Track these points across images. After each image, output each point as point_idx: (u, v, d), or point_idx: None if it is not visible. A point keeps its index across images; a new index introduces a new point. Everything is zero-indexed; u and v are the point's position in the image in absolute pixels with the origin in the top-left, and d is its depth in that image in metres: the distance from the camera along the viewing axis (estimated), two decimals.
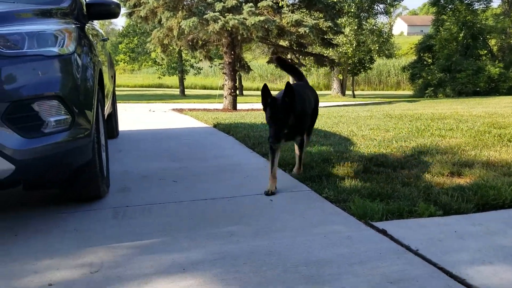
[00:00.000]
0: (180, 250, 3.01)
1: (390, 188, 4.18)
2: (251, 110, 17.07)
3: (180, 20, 15.80)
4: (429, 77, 34.97)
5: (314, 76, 56.53)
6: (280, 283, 2.50)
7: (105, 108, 5.47)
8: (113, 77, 8.08)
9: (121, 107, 15.56)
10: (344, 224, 3.45)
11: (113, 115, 7.99)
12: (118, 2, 4.94)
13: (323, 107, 18.42)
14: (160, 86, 56.22)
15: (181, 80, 41.34)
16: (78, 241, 3.20)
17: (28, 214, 3.83)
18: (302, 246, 3.03)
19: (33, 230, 3.43)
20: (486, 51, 37.83)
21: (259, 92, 4.01)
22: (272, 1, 15.94)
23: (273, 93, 4.18)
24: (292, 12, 16.54)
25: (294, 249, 2.99)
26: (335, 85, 42.71)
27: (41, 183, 3.71)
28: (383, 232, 3.23)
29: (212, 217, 3.69)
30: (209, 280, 2.56)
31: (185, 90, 42.18)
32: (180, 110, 16.32)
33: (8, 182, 3.31)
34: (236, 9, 15.70)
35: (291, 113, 3.95)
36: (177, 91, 42.58)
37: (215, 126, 9.96)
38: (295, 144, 4.68)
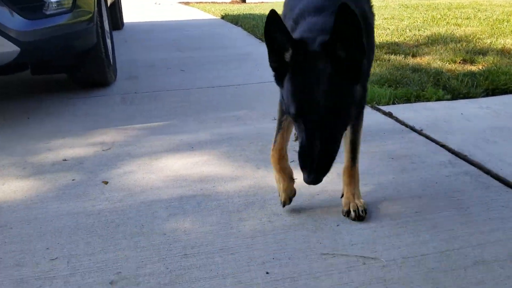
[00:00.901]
0: (188, 132, 3.07)
1: (400, 75, 4.12)
2: (261, 3, 16.37)
3: None
4: None
5: None
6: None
7: None
8: None
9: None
10: None
11: (117, 4, 7.73)
12: None
13: None
14: None
15: None
16: (88, 124, 3.27)
17: (39, 99, 3.88)
18: None
19: (45, 114, 3.50)
20: None
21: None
22: None
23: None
24: None
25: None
26: None
27: (48, 68, 3.72)
28: (389, 114, 3.24)
29: (220, 103, 3.71)
30: (216, 157, 2.65)
31: None
32: (187, 3, 15.70)
33: (15, 65, 3.32)
34: None
35: (354, 85, 1.59)
36: None
37: (222, 17, 9.64)
38: None
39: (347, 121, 1.64)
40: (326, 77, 1.51)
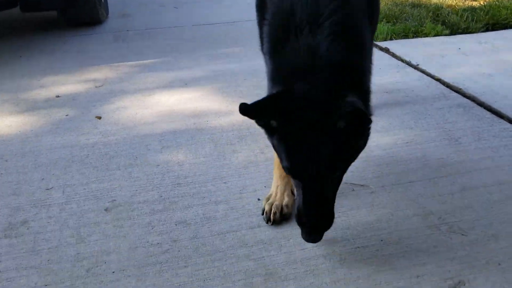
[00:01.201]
0: (182, 68, 3.04)
1: (399, 10, 4.02)
2: None
3: None
4: None
5: None
6: None
7: None
8: None
9: None
10: None
11: None
12: None
13: None
14: None
15: None
16: (81, 61, 3.23)
17: (30, 37, 3.81)
18: None
19: (37, 52, 3.45)
20: None
21: None
22: None
23: None
24: None
25: None
26: None
27: (37, 5, 3.61)
28: (386, 50, 3.19)
29: (214, 40, 3.64)
30: (210, 93, 2.63)
31: None
32: None
33: (3, 2, 3.23)
34: None
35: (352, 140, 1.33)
36: None
37: None
38: None
39: (345, 171, 1.41)
40: (323, 136, 1.25)
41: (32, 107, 2.52)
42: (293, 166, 1.29)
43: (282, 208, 1.56)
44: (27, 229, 1.56)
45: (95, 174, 1.85)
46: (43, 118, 2.38)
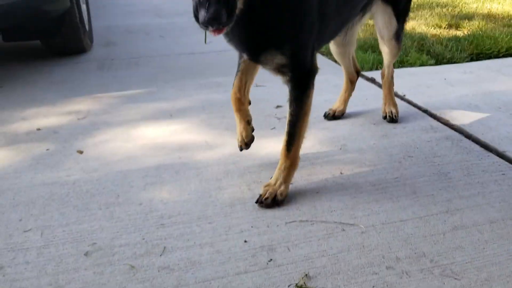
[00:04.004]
0: (167, 99, 2.99)
1: None
2: None
3: None
4: None
5: None
6: (265, 126, 2.52)
7: None
8: None
9: None
10: (333, 73, 3.40)
11: None
12: None
13: None
14: None
15: None
16: (64, 92, 3.17)
17: (13, 67, 3.74)
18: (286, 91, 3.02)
19: (19, 82, 3.38)
20: None
21: None
22: None
23: None
24: None
25: (279, 93, 2.98)
26: None
27: (22, 34, 3.56)
28: (372, 80, 3.20)
29: (200, 69, 3.62)
30: (196, 125, 2.59)
31: None
32: None
33: None
34: None
35: None
36: None
37: None
38: None
39: None
40: None
41: (12, 140, 2.44)
42: None
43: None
44: (3, 276, 1.48)
45: (75, 214, 1.78)
46: (23, 153, 2.30)
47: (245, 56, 1.82)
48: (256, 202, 1.80)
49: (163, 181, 2.00)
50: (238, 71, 2.04)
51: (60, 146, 2.36)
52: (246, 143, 2.09)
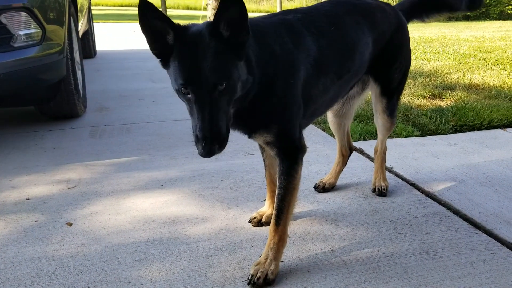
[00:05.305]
0: (159, 168, 3.01)
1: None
2: None
3: None
4: None
5: None
6: (256, 197, 2.54)
7: (79, 24, 5.23)
8: None
9: (99, 27, 14.98)
10: (323, 143, 3.48)
11: (90, 33, 7.68)
12: None
13: None
14: None
15: (163, 0, 39.54)
16: (55, 159, 3.18)
17: (5, 132, 3.77)
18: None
19: (11, 148, 3.39)
20: None
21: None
22: None
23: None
24: None
25: None
26: None
27: (17, 100, 3.62)
28: (360, 151, 3.27)
29: (192, 137, 3.66)
30: (187, 196, 2.59)
31: (167, 10, 40.44)
32: None
33: None
34: None
35: (238, 61, 1.62)
36: None
37: None
38: None
39: (233, 93, 1.60)
40: (210, 49, 1.54)
41: (0, 211, 2.42)
42: (186, 78, 1.52)
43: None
44: None
45: None
46: (11, 224, 2.27)
47: (243, 134, 1.90)
48: (249, 284, 1.77)
49: (153, 258, 1.97)
50: (265, 165, 2.24)
51: (49, 217, 2.34)
52: (262, 223, 2.23)
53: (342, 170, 2.70)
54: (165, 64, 1.63)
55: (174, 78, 1.59)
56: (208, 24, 1.58)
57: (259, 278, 1.76)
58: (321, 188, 2.63)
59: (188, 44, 1.55)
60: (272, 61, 1.76)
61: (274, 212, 1.88)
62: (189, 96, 1.55)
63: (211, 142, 1.53)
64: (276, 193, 1.88)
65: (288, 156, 1.85)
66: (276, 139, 1.81)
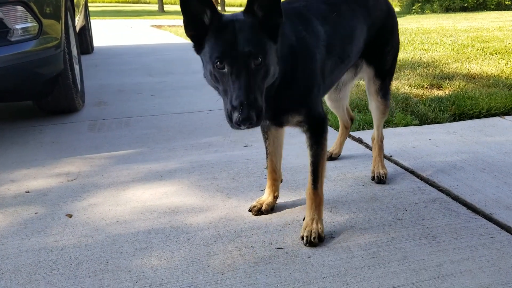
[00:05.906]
0: (158, 160, 3.01)
1: None
2: None
3: None
4: None
5: None
6: (256, 187, 2.54)
7: (76, 19, 5.21)
8: None
9: (96, 23, 14.94)
10: None
11: (87, 28, 7.66)
12: None
13: None
14: (137, 1, 53.66)
15: None
16: (54, 153, 3.18)
17: (4, 127, 3.76)
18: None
19: (9, 143, 3.38)
20: None
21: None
22: None
23: None
24: None
25: None
26: None
27: (14, 95, 3.61)
28: (359, 140, 3.27)
29: (191, 129, 3.67)
30: (186, 187, 2.60)
31: (164, 5, 40.33)
32: (159, 26, 15.74)
33: None
34: None
35: (272, 43, 1.70)
36: (155, 7, 40.72)
37: None
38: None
39: (267, 72, 1.65)
40: (246, 25, 1.63)
41: (0, 204, 2.42)
42: (223, 51, 1.58)
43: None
44: None
45: (63, 283, 1.74)
46: (11, 217, 2.27)
47: (267, 123, 2.07)
48: (306, 244, 1.93)
49: (153, 247, 1.98)
50: (267, 153, 2.30)
51: (49, 209, 2.34)
52: (262, 211, 2.25)
53: (346, 139, 2.97)
54: (199, 46, 1.69)
55: (209, 55, 1.63)
56: (244, 6, 1.67)
57: (314, 237, 1.93)
58: (328, 158, 2.80)
59: (225, 22, 1.64)
60: (292, 52, 1.85)
61: (310, 178, 2.04)
62: (225, 70, 1.59)
63: (249, 108, 1.53)
64: (310, 162, 2.03)
65: (317, 129, 2.02)
66: (306, 118, 1.98)
